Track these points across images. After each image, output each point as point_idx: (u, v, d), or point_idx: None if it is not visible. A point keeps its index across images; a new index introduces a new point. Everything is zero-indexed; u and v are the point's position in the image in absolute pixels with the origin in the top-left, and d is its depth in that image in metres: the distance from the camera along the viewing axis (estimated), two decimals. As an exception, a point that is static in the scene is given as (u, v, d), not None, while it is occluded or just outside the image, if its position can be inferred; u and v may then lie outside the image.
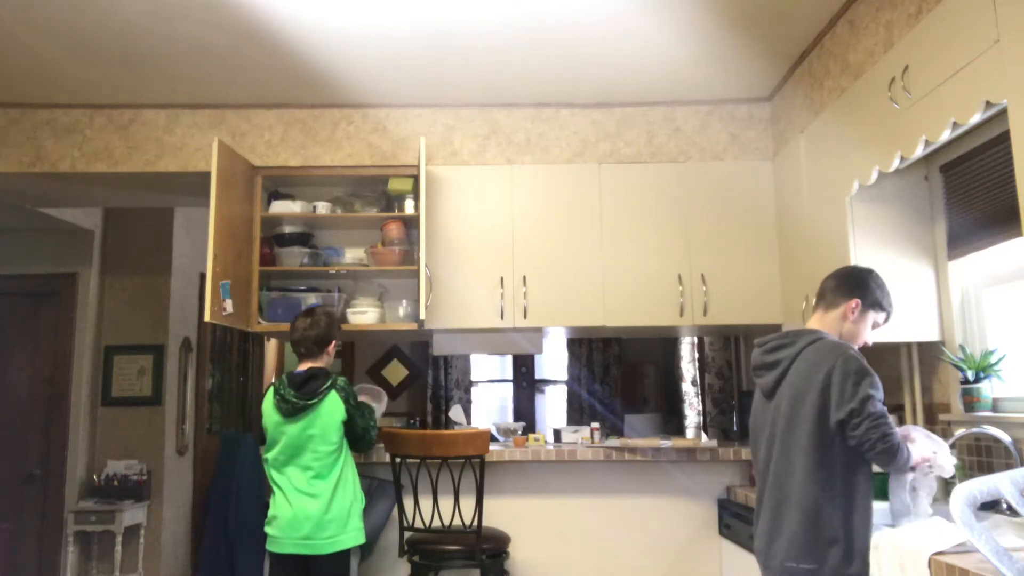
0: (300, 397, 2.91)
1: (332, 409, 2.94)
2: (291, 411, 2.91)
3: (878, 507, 2.44)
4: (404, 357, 7.43)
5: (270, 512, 2.97)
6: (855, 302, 2.25)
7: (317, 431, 2.92)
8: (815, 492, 2.07)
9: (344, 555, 2.92)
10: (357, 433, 3.00)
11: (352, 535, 2.94)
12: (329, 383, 2.97)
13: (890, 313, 2.32)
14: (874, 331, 2.31)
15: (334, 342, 3.11)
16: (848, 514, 2.06)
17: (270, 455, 2.98)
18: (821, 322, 2.30)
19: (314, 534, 2.86)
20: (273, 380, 3.09)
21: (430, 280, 3.75)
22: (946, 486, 2.65)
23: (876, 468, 2.26)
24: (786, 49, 3.46)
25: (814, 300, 2.41)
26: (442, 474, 3.17)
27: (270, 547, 2.96)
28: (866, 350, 2.31)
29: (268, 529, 2.96)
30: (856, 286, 2.28)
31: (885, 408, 2.06)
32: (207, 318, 3.29)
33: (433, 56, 3.49)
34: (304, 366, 3.05)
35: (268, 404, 3.01)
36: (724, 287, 3.83)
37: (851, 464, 2.08)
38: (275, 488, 2.98)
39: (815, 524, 2.05)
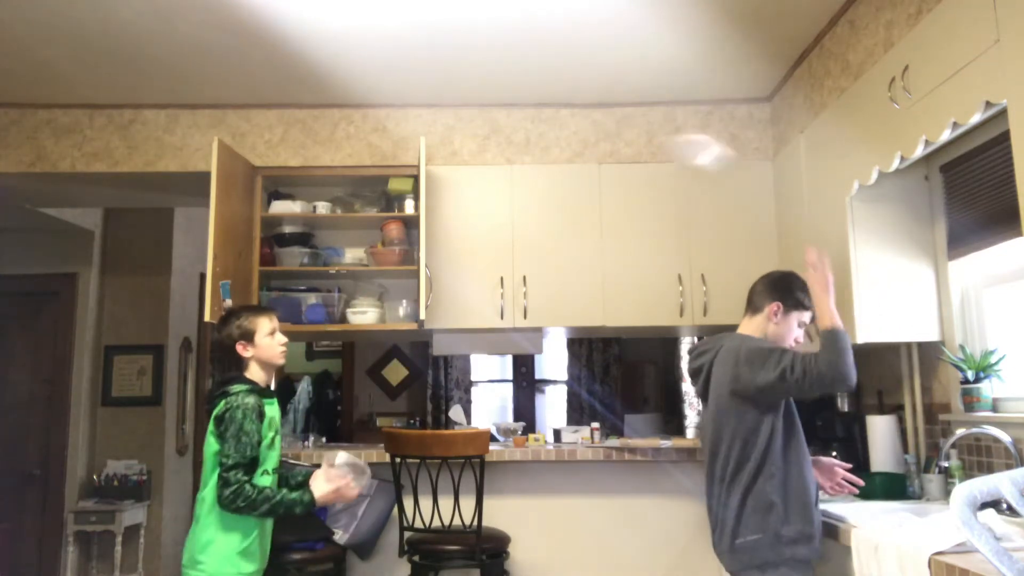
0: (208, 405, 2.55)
1: (213, 422, 2.46)
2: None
3: (888, 505, 2.45)
4: (404, 357, 7.44)
5: None
6: (776, 305, 2.43)
7: (206, 443, 2.48)
8: (750, 470, 2.24)
9: None
10: (227, 470, 2.34)
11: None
12: (221, 392, 2.47)
13: (814, 313, 2.43)
14: (801, 329, 2.46)
15: (240, 343, 2.56)
16: (783, 481, 2.22)
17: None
18: (749, 325, 2.49)
19: (185, 562, 2.43)
20: None
21: (430, 280, 3.75)
22: (946, 486, 2.65)
23: (879, 468, 2.26)
24: (786, 49, 3.46)
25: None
26: (442, 474, 3.17)
27: None
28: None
29: None
30: (776, 289, 2.45)
31: (793, 352, 2.23)
32: (207, 318, 3.29)
33: (433, 56, 3.49)
34: None
35: None
36: (724, 287, 3.83)
37: (776, 440, 2.24)
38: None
39: (751, 497, 2.23)
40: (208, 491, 2.42)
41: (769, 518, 2.19)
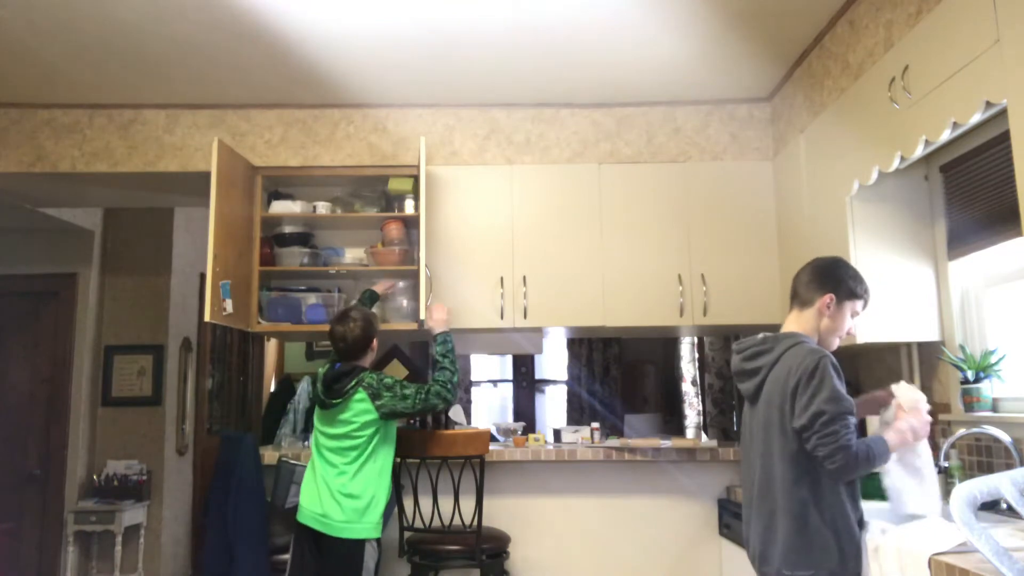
0: (328, 396, 3.00)
1: (357, 408, 2.96)
2: (323, 406, 3.03)
3: (878, 507, 2.44)
4: (404, 357, 7.42)
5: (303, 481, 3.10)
6: (829, 297, 2.21)
7: (342, 429, 2.97)
8: (801, 498, 2.07)
9: (357, 544, 2.93)
10: (417, 408, 3.01)
11: (365, 528, 2.94)
12: (355, 382, 2.97)
13: (867, 299, 2.27)
14: (854, 319, 2.27)
15: (375, 340, 3.13)
16: (836, 517, 2.06)
17: (313, 436, 3.11)
18: (798, 321, 2.26)
19: (330, 514, 2.91)
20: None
21: (430, 280, 3.75)
22: (946, 486, 2.65)
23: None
24: (786, 49, 3.46)
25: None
26: (442, 474, 3.17)
27: (298, 517, 3.04)
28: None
29: (299, 498, 3.08)
30: (826, 279, 2.23)
31: (842, 424, 2.01)
32: (207, 318, 3.29)
33: (433, 56, 3.48)
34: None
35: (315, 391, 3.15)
36: (724, 287, 3.83)
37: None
38: (310, 465, 3.08)
39: (805, 530, 2.06)
40: (370, 458, 2.97)
41: (824, 558, 2.03)
